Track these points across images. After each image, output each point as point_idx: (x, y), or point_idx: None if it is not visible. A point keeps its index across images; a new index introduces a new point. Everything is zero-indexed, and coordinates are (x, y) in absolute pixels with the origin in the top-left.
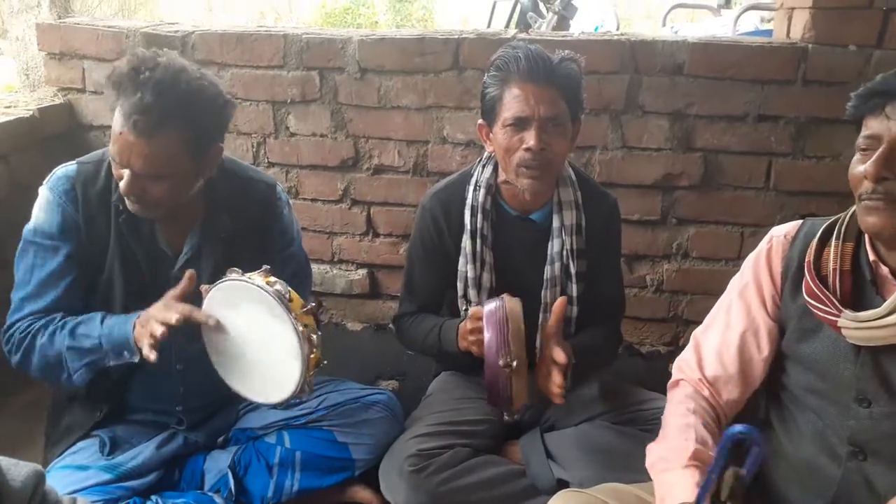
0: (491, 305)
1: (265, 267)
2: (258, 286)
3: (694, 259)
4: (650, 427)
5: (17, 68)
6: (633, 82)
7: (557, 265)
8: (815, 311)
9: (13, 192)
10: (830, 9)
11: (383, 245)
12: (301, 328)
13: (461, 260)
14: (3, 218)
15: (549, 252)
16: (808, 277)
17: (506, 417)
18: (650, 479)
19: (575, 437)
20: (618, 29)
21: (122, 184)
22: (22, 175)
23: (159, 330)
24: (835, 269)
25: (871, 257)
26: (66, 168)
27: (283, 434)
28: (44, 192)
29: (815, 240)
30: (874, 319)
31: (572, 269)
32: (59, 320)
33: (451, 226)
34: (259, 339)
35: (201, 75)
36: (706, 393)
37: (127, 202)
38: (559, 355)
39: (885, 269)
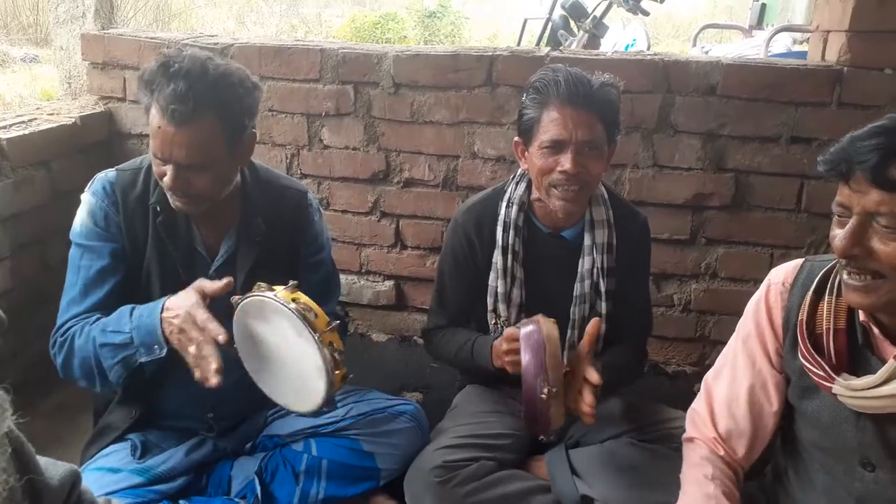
0: (528, 328)
1: (292, 282)
2: (283, 304)
3: (722, 279)
4: (676, 446)
5: (60, 77)
6: (666, 102)
7: (587, 283)
8: (811, 374)
9: (55, 198)
10: (867, 32)
11: (411, 257)
12: (325, 347)
13: (492, 275)
14: (45, 222)
15: (579, 269)
16: (800, 341)
17: (541, 438)
18: (675, 500)
19: (600, 454)
20: (649, 48)
21: (166, 179)
22: (63, 181)
23: (221, 336)
24: (828, 329)
25: (862, 317)
26: (107, 174)
27: (310, 442)
28: (86, 198)
29: (810, 293)
30: (869, 388)
31: (602, 287)
32: (94, 321)
33: (483, 241)
34: (287, 353)
35: (227, 62)
36: (722, 453)
37: (171, 199)
38: (593, 376)
39: (877, 330)
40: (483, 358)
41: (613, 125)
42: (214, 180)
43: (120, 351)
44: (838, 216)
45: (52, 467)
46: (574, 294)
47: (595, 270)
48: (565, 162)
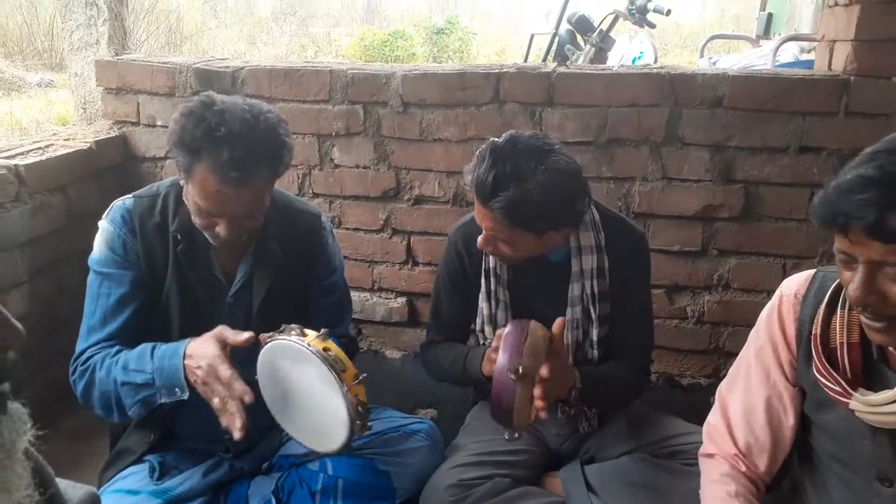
0: (514, 324)
1: (324, 330)
2: (315, 353)
3: (735, 290)
4: (692, 461)
5: (75, 102)
6: (673, 114)
7: (578, 308)
8: (826, 389)
9: (71, 222)
10: (872, 41)
11: (422, 274)
12: (352, 400)
13: (480, 295)
14: (62, 246)
15: (569, 295)
16: (814, 355)
17: (505, 436)
18: None
19: (616, 471)
20: (656, 61)
21: (221, 232)
22: (79, 205)
23: (247, 398)
24: (842, 343)
25: None
26: (124, 201)
27: (325, 461)
28: (104, 226)
29: (823, 306)
30: (886, 404)
31: (593, 314)
32: (115, 354)
33: (473, 259)
34: (311, 399)
35: (260, 109)
36: (743, 468)
37: (213, 239)
38: (543, 370)
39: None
40: (474, 367)
41: (530, 222)
42: (261, 218)
43: (141, 391)
44: (842, 262)
45: (72, 490)
46: (566, 319)
47: (585, 297)
48: (479, 240)
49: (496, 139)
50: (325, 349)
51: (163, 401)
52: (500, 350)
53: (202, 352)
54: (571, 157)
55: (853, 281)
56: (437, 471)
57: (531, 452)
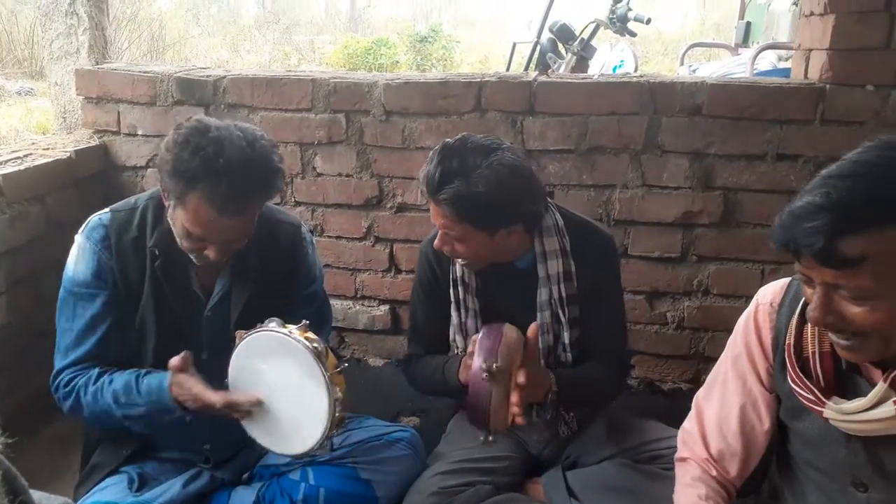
0: (489, 327)
1: (305, 322)
2: (299, 342)
3: (714, 296)
4: (671, 466)
5: (55, 111)
6: (653, 122)
7: (547, 313)
8: (800, 398)
9: (50, 232)
10: (847, 50)
11: (405, 281)
12: (334, 389)
13: (452, 305)
14: (39, 255)
15: (538, 300)
16: (788, 365)
17: (480, 438)
18: None
19: (597, 476)
20: (636, 69)
21: (210, 255)
22: (58, 214)
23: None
24: (814, 353)
25: None
26: (101, 216)
27: (307, 470)
28: (79, 241)
29: (796, 316)
30: (859, 412)
31: (563, 318)
32: (96, 379)
33: (444, 270)
34: (289, 394)
35: (254, 136)
36: (714, 473)
37: (198, 260)
38: (520, 377)
39: None
40: (452, 375)
41: (478, 217)
42: (251, 235)
43: (142, 420)
44: (803, 281)
45: (46, 501)
46: (538, 324)
47: (553, 301)
48: (436, 240)
49: (448, 139)
50: (308, 338)
51: (167, 420)
52: (474, 354)
53: (184, 392)
54: (523, 157)
55: (812, 302)
56: (419, 479)
57: (513, 459)
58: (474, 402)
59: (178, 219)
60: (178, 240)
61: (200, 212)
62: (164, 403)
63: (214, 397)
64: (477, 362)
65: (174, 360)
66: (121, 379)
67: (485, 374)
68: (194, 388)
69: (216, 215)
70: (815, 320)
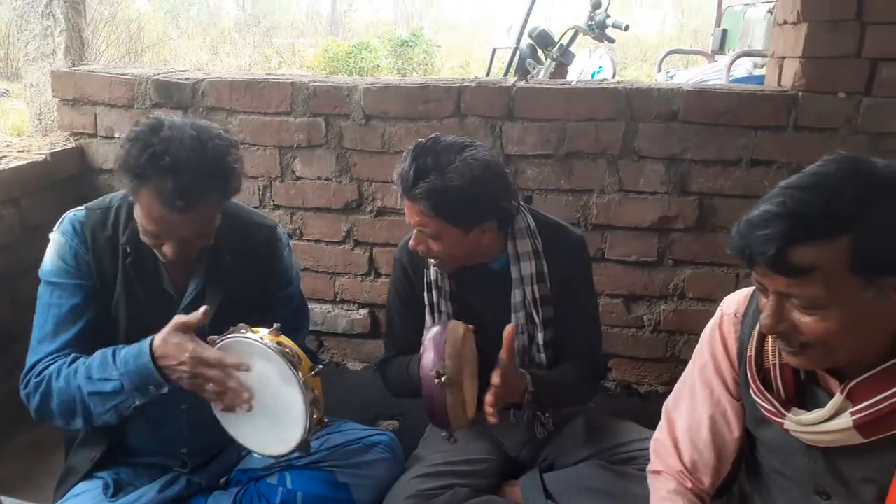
0: (434, 328)
1: (276, 325)
2: (269, 347)
3: (690, 300)
4: (645, 466)
5: (31, 113)
6: (630, 128)
7: (522, 314)
8: (762, 409)
9: (24, 235)
10: (819, 58)
11: (384, 285)
12: (309, 393)
13: (426, 309)
14: (14, 258)
15: (512, 301)
16: (749, 377)
17: (442, 434)
18: None
19: (574, 478)
20: (614, 75)
21: (168, 252)
22: (33, 217)
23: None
24: (774, 365)
25: None
26: (76, 213)
27: (284, 475)
28: (55, 237)
29: (757, 328)
30: (817, 423)
31: (537, 318)
32: (70, 363)
33: (419, 274)
34: (267, 395)
35: (209, 134)
36: (689, 485)
37: (161, 256)
38: (494, 378)
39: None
40: (415, 373)
41: (453, 212)
42: (210, 236)
43: (111, 399)
44: (758, 290)
45: None
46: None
47: (527, 302)
48: (411, 241)
49: (421, 139)
50: (279, 343)
51: (139, 402)
52: (424, 351)
53: (175, 349)
54: (494, 154)
55: (765, 310)
56: (397, 482)
57: (490, 461)
58: (430, 406)
59: (136, 214)
60: (141, 236)
61: (150, 208)
62: (142, 368)
63: (210, 351)
64: (426, 360)
65: (183, 317)
66: (98, 354)
67: (435, 379)
68: (190, 343)
69: (166, 212)
70: (767, 328)
